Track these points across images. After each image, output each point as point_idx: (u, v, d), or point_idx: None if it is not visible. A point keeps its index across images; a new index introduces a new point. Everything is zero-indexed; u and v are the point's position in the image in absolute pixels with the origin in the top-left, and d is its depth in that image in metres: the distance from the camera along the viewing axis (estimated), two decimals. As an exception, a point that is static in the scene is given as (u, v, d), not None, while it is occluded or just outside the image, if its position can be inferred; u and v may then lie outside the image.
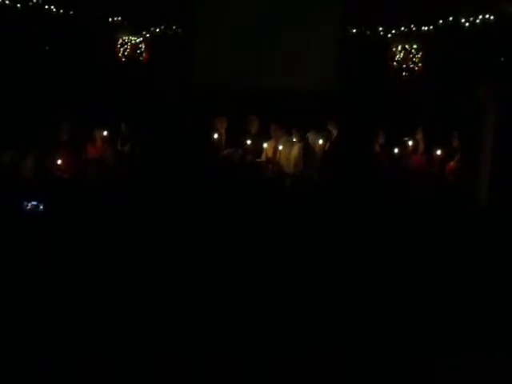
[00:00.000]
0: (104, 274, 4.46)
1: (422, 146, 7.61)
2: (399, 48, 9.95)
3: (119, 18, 10.12)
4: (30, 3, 9.24)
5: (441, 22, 9.52)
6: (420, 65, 9.91)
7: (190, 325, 3.92)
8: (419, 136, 7.63)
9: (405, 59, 9.98)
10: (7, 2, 8.95)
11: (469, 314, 4.14)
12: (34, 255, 4.63)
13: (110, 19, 10.10)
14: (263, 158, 7.29)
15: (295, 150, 7.20)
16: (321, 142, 7.34)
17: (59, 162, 6.47)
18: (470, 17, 9.26)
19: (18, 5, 9.10)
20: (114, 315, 3.96)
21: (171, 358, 3.61)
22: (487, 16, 9.11)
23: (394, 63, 10.02)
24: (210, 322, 3.94)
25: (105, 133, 7.23)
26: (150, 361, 3.56)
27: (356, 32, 9.90)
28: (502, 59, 8.76)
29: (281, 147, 7.18)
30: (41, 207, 5.32)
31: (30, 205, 5.30)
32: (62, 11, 9.64)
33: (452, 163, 7.23)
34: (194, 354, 3.64)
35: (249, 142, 7.37)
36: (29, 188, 5.65)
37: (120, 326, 3.87)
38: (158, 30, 10.24)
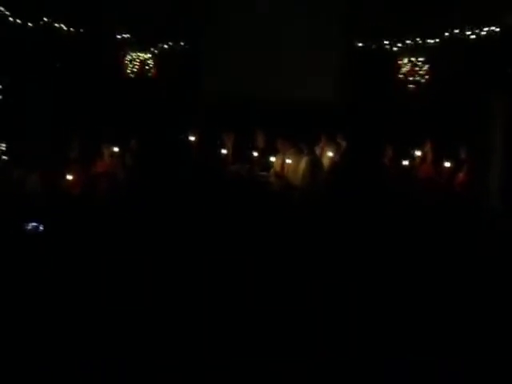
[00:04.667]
0: (109, 284, 4.47)
1: (430, 158, 7.61)
2: (405, 61, 10.01)
3: (128, 35, 10.27)
4: (41, 22, 9.41)
5: (446, 34, 9.58)
6: (426, 77, 9.96)
7: (189, 329, 3.94)
8: (427, 148, 7.64)
9: (411, 72, 10.03)
10: (18, 20, 9.12)
11: (478, 325, 4.12)
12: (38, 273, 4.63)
13: (119, 36, 10.24)
14: (272, 172, 7.30)
15: (303, 164, 7.20)
16: (330, 154, 7.35)
17: (69, 177, 6.52)
18: (475, 29, 9.32)
19: (30, 24, 9.27)
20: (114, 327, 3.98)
21: (171, 362, 3.63)
22: (492, 28, 9.16)
23: (400, 76, 10.08)
24: (210, 327, 3.95)
25: (115, 149, 7.29)
26: (149, 364, 3.58)
27: (362, 45, 9.98)
28: (509, 71, 8.79)
29: (288, 161, 7.19)
30: (41, 228, 5.19)
31: (30, 225, 5.15)
32: (72, 29, 9.80)
33: (461, 175, 7.22)
34: (193, 357, 3.65)
35: (255, 154, 7.39)
36: (32, 205, 5.65)
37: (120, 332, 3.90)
38: (166, 46, 10.37)
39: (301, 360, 3.66)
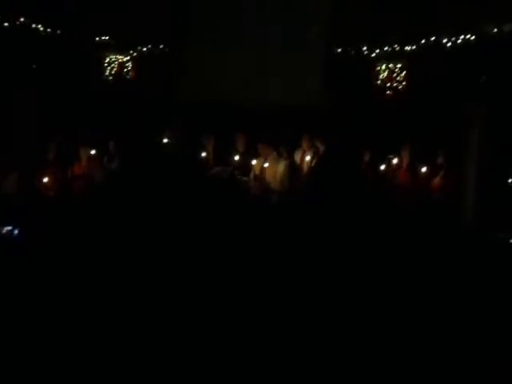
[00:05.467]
0: (91, 293, 4.42)
1: (405, 162, 7.69)
2: (383, 67, 10.13)
3: (106, 38, 10.21)
4: (18, 22, 9.30)
5: (423, 41, 9.73)
6: (404, 83, 10.09)
7: (188, 331, 3.93)
8: (404, 153, 7.72)
9: (389, 78, 10.15)
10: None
11: (455, 330, 4.17)
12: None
13: (98, 38, 10.18)
14: (251, 175, 7.32)
15: (281, 167, 7.25)
16: (308, 158, 7.41)
17: (45, 180, 6.46)
18: (452, 37, 9.49)
19: (6, 24, 9.15)
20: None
21: (170, 360, 3.62)
22: (468, 36, 9.34)
23: (378, 82, 10.19)
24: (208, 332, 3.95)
25: (92, 151, 7.23)
26: (149, 362, 3.56)
27: (341, 51, 10.08)
28: (483, 78, 8.96)
29: (266, 164, 7.22)
30: (16, 232, 5.16)
31: (4, 229, 5.12)
32: (49, 30, 9.71)
33: (437, 180, 7.32)
34: (192, 355, 3.64)
35: (236, 157, 7.41)
36: (9, 207, 5.58)
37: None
38: (145, 48, 10.34)
39: (298, 360, 3.67)
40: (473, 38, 9.23)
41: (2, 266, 4.64)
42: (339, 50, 10.07)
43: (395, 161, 7.78)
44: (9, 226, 5.19)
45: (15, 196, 5.91)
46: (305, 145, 7.57)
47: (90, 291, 4.39)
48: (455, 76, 8.94)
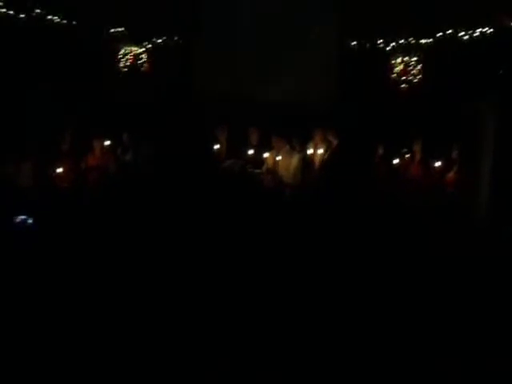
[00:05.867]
0: (102, 283, 4.46)
1: (418, 157, 7.66)
2: (398, 60, 10.05)
3: (121, 29, 10.24)
4: (33, 13, 9.36)
5: (440, 34, 9.63)
6: (419, 77, 10.00)
7: (188, 330, 3.95)
8: (417, 147, 7.68)
9: (404, 71, 10.07)
10: (11, 12, 9.07)
11: (468, 326, 4.15)
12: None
13: (112, 30, 10.21)
14: (264, 168, 7.33)
15: (294, 161, 7.26)
16: (321, 151, 7.39)
17: (59, 170, 6.51)
18: (469, 29, 9.38)
19: (22, 15, 9.22)
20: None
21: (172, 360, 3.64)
22: (485, 29, 9.23)
23: (393, 75, 10.12)
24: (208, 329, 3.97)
25: (106, 142, 7.28)
26: (150, 362, 3.59)
27: (355, 44, 10.01)
28: (501, 72, 8.86)
29: (279, 157, 7.23)
30: (30, 221, 5.21)
31: (19, 219, 5.18)
32: (65, 22, 9.76)
33: (451, 174, 7.28)
34: (192, 356, 3.67)
35: (250, 152, 7.41)
36: (24, 197, 5.63)
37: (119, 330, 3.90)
38: (159, 40, 10.35)
39: (294, 362, 3.68)
40: (489, 31, 9.12)
41: (17, 255, 4.70)
42: (354, 44, 10.01)
43: (408, 155, 7.75)
44: (23, 215, 5.25)
45: (29, 186, 5.98)
46: (318, 138, 7.55)
47: (102, 281, 4.43)
48: (471, 69, 8.84)
